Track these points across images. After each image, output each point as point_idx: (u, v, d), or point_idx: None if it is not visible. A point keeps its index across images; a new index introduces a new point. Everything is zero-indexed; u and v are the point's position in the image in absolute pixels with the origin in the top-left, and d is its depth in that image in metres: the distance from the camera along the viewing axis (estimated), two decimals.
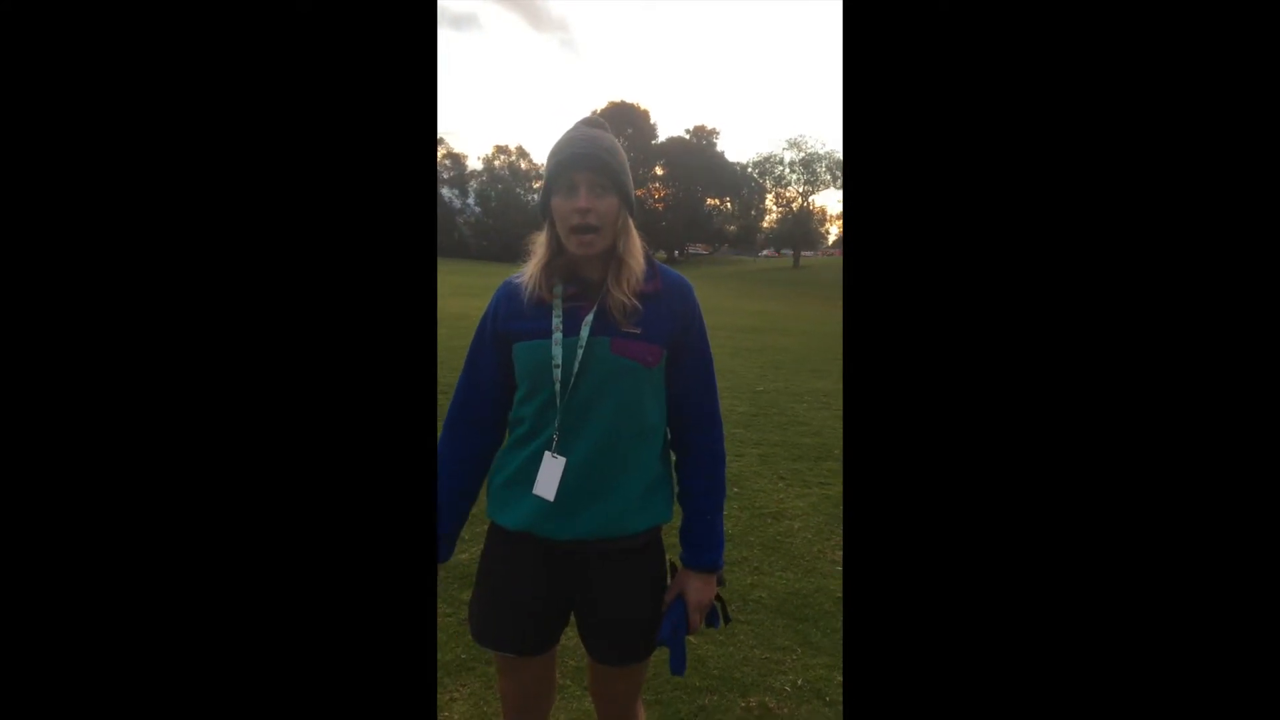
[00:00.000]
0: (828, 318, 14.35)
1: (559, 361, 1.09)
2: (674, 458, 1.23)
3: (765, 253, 58.87)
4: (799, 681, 2.07)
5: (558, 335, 1.10)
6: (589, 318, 1.10)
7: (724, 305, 16.54)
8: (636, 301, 1.11)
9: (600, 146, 1.10)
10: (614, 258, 1.13)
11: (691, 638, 1.21)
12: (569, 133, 1.14)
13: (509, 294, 1.17)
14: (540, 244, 1.16)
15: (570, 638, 1.26)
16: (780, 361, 8.19)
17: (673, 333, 1.14)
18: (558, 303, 1.12)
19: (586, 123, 1.16)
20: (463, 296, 14.15)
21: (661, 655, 1.23)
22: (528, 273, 1.15)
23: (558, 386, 1.09)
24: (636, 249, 1.14)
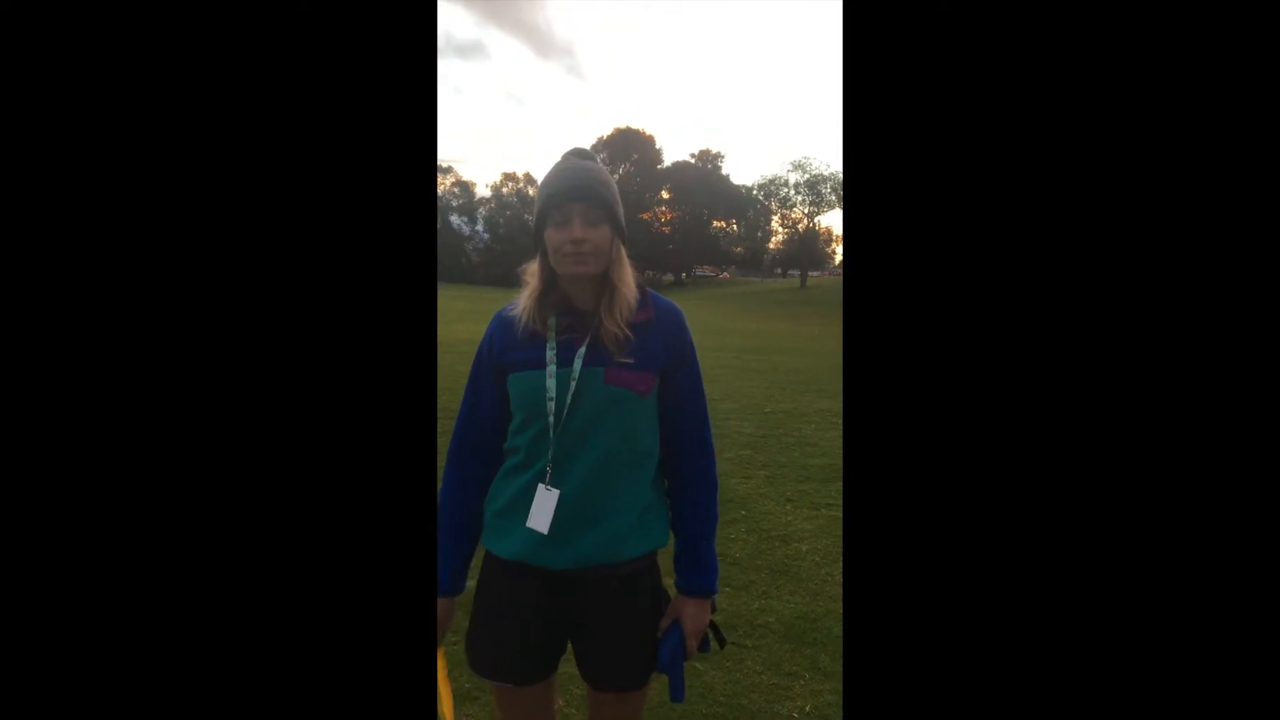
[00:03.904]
0: (834, 337, 14.31)
1: (553, 394, 1.11)
2: (666, 484, 1.24)
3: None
4: (807, 707, 2.04)
5: (551, 367, 1.12)
6: (582, 349, 1.12)
7: (731, 326, 16.54)
8: (629, 332, 1.12)
9: (593, 178, 1.12)
10: (607, 286, 1.14)
11: (696, 663, 1.20)
12: (560, 164, 1.16)
13: (503, 325, 1.19)
14: (533, 274, 1.18)
15: (573, 665, 1.26)
16: (787, 382, 8.17)
17: (665, 360, 1.15)
18: (551, 334, 1.14)
19: (576, 154, 1.18)
20: (470, 322, 14.22)
21: (662, 683, 1.22)
22: (521, 304, 1.17)
23: (551, 418, 1.11)
24: (628, 277, 1.16)
